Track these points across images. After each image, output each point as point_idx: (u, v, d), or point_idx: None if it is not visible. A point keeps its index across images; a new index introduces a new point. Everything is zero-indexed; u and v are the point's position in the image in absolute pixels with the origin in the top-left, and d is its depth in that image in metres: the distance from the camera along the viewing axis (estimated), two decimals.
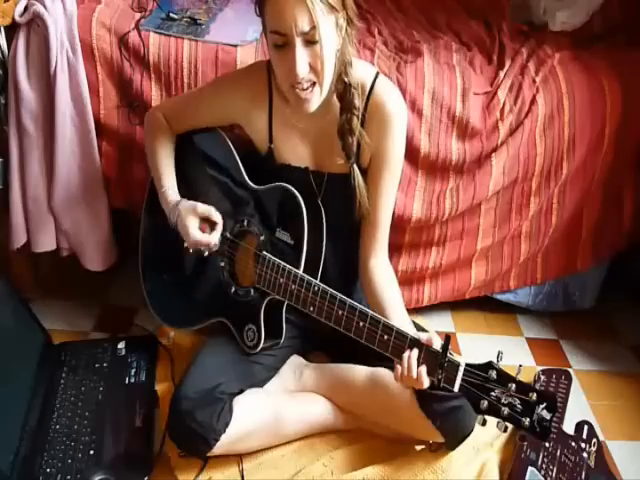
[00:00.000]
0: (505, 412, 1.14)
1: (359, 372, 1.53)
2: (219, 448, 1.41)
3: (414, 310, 1.95)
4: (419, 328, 1.46)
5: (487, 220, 1.85)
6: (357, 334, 1.31)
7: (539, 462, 1.52)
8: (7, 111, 1.67)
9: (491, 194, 1.79)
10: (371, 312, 1.29)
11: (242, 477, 1.46)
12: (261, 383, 1.53)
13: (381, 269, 1.48)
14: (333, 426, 1.55)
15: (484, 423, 1.17)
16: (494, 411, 1.15)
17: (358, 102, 1.37)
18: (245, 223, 1.49)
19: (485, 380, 1.16)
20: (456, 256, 1.88)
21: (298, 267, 1.38)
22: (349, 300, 1.32)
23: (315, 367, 1.61)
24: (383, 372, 1.46)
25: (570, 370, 1.87)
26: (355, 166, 1.41)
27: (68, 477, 1.40)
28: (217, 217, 1.48)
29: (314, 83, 1.30)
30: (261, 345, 1.46)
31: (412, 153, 1.72)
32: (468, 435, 1.44)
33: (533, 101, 1.75)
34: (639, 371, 1.92)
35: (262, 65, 1.45)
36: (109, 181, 1.78)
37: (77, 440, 1.48)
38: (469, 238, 1.86)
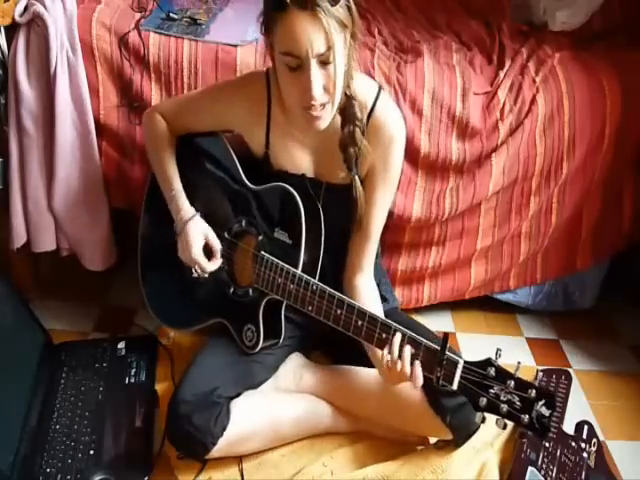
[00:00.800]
0: (504, 409, 1.14)
1: (364, 372, 1.53)
2: (217, 451, 1.41)
3: (414, 310, 1.95)
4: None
5: (487, 220, 1.85)
6: (355, 333, 1.31)
7: (539, 462, 1.52)
8: (7, 111, 1.67)
9: (491, 194, 1.79)
10: (369, 311, 1.30)
11: (242, 477, 1.46)
12: (260, 383, 1.53)
13: (367, 287, 1.48)
14: (331, 428, 1.55)
15: (483, 420, 1.17)
16: (493, 408, 1.15)
17: (360, 114, 1.36)
18: (243, 223, 1.49)
19: (484, 377, 1.15)
20: (456, 256, 1.88)
21: (296, 267, 1.38)
22: (347, 299, 1.32)
23: (315, 369, 1.61)
24: None
25: (570, 370, 1.87)
26: (357, 177, 1.41)
27: (68, 477, 1.40)
28: (219, 252, 1.49)
29: (325, 103, 1.29)
30: (260, 345, 1.46)
31: (412, 153, 1.72)
32: (476, 431, 1.45)
33: (533, 101, 1.75)
34: (639, 371, 1.92)
35: (261, 75, 1.44)
36: (109, 181, 1.78)
37: (77, 440, 1.48)
38: (469, 238, 1.86)
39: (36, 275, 1.95)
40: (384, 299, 1.54)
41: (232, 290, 1.50)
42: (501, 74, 1.80)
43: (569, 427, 1.64)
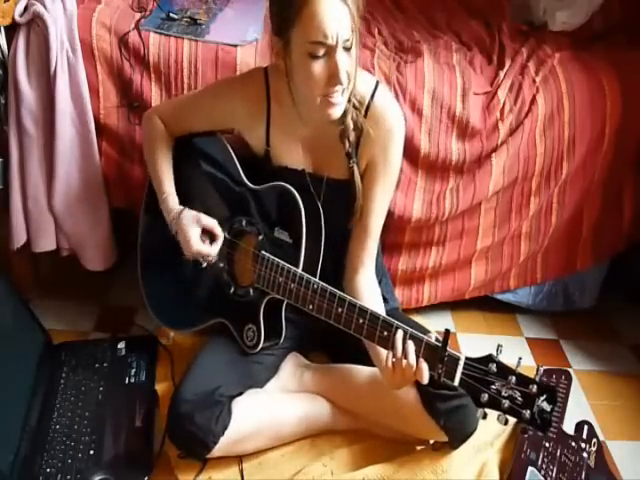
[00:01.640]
0: (505, 405, 1.14)
1: (362, 372, 1.53)
2: (218, 450, 1.41)
3: (414, 310, 1.95)
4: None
5: (487, 220, 1.85)
6: (357, 331, 1.31)
7: (539, 462, 1.52)
8: (7, 111, 1.67)
9: (491, 194, 1.79)
10: (370, 309, 1.29)
11: (242, 477, 1.46)
12: (261, 383, 1.53)
13: (368, 284, 1.48)
14: (332, 427, 1.55)
15: (485, 416, 1.17)
16: (494, 404, 1.15)
17: (357, 98, 1.37)
18: (243, 223, 1.49)
19: (485, 373, 1.15)
20: (456, 256, 1.88)
21: (297, 265, 1.38)
22: (348, 297, 1.32)
23: (316, 368, 1.61)
24: None
25: (570, 370, 1.87)
26: (356, 167, 1.41)
27: (68, 477, 1.40)
28: (219, 230, 1.48)
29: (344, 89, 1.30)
30: (261, 345, 1.46)
31: (412, 153, 1.72)
32: (472, 434, 1.45)
33: (533, 101, 1.75)
34: (639, 371, 1.92)
35: (259, 72, 1.44)
36: (109, 181, 1.78)
37: (77, 440, 1.47)
38: (469, 238, 1.87)
39: (36, 275, 1.95)
40: (384, 299, 1.53)
41: (233, 290, 1.50)
42: (501, 74, 1.80)
43: (569, 427, 1.64)
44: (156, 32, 1.71)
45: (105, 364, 1.67)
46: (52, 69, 1.63)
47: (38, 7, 1.61)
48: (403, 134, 1.45)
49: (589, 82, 1.79)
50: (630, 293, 2.09)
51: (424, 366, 1.22)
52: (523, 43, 1.93)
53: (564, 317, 2.06)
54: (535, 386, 1.11)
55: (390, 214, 1.55)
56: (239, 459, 1.48)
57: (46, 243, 1.78)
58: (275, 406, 1.50)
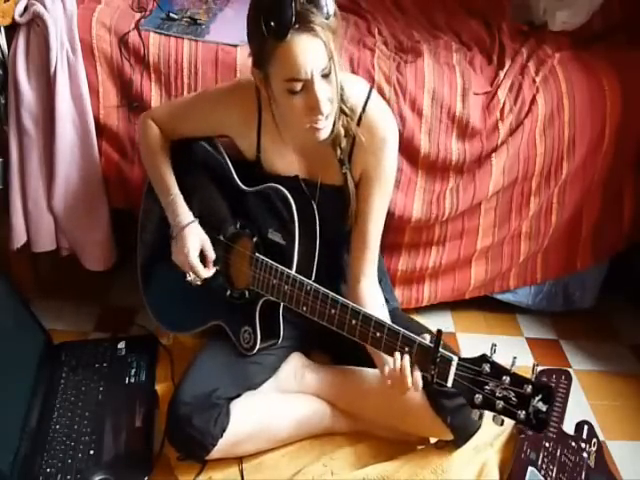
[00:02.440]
0: (500, 406, 1.12)
1: (366, 373, 1.53)
2: (217, 452, 1.41)
3: (414, 310, 1.95)
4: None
5: (487, 220, 1.85)
6: (350, 332, 1.31)
7: (539, 462, 1.52)
8: (7, 111, 1.67)
9: (491, 194, 1.79)
10: (363, 310, 1.29)
11: (242, 477, 1.46)
12: (260, 384, 1.53)
13: (371, 292, 1.47)
14: (332, 429, 1.55)
15: (480, 417, 1.16)
16: (489, 405, 1.14)
17: (349, 106, 1.36)
18: (238, 226, 1.49)
19: (478, 374, 1.14)
20: (456, 256, 1.88)
21: (290, 267, 1.38)
22: (341, 299, 1.32)
23: (317, 369, 1.60)
24: None
25: (570, 370, 1.87)
26: (349, 173, 1.41)
27: (68, 477, 1.40)
28: (212, 263, 1.49)
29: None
30: (257, 346, 1.46)
31: (412, 153, 1.72)
32: (476, 432, 1.45)
33: (533, 101, 1.75)
34: (639, 371, 1.92)
35: (250, 83, 1.42)
36: (109, 181, 1.78)
37: (77, 440, 1.48)
38: (469, 238, 1.86)
39: (36, 275, 1.95)
40: (384, 300, 1.54)
41: (229, 293, 1.50)
42: (501, 74, 1.80)
43: (569, 427, 1.64)
44: (156, 32, 1.71)
45: (105, 364, 1.67)
46: (52, 69, 1.63)
47: (38, 7, 1.61)
48: (397, 142, 1.44)
49: (589, 82, 1.79)
50: (630, 293, 2.09)
51: (417, 375, 1.22)
52: (523, 43, 1.92)
53: (564, 317, 2.06)
54: (530, 386, 1.10)
55: (390, 214, 1.55)
56: (239, 459, 1.48)
57: (46, 243, 1.78)
58: (274, 408, 1.50)
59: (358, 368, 1.55)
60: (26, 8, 1.64)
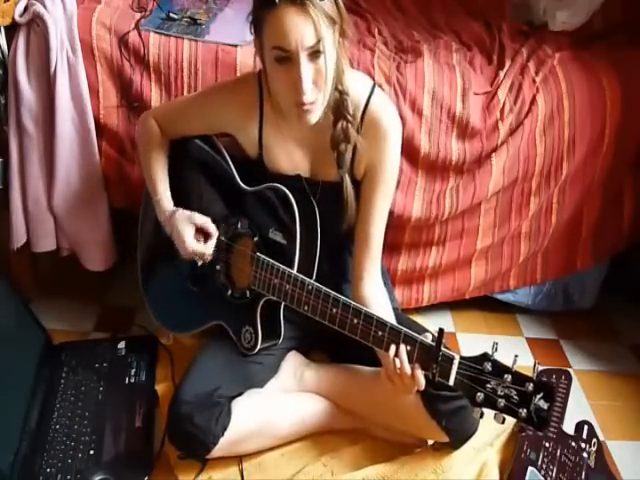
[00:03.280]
0: (501, 404, 1.13)
1: (363, 372, 1.53)
2: (218, 451, 1.41)
3: (414, 310, 1.95)
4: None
5: (487, 220, 1.85)
6: (351, 331, 1.31)
7: (539, 462, 1.52)
8: (7, 111, 1.67)
9: (491, 194, 1.79)
10: (364, 309, 1.29)
11: (242, 477, 1.46)
12: (261, 383, 1.53)
13: (374, 290, 1.46)
14: (332, 427, 1.55)
15: (482, 415, 1.16)
16: (490, 403, 1.14)
17: (352, 110, 1.36)
18: (239, 225, 1.49)
19: (480, 372, 1.15)
20: (456, 256, 1.88)
21: (292, 267, 1.38)
22: (342, 298, 1.32)
23: (316, 368, 1.61)
24: None
25: (570, 370, 1.87)
26: (346, 176, 1.41)
27: (68, 477, 1.40)
28: (212, 228, 1.48)
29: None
30: (258, 346, 1.46)
31: (412, 153, 1.72)
32: (472, 435, 1.45)
33: (533, 101, 1.75)
34: (639, 371, 1.92)
35: (252, 76, 1.44)
36: (109, 181, 1.78)
37: (77, 440, 1.48)
38: (469, 238, 1.87)
39: (36, 275, 1.95)
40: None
41: (230, 292, 1.50)
42: (501, 74, 1.80)
43: (569, 427, 1.64)
44: (156, 32, 1.71)
45: (105, 364, 1.67)
46: (52, 69, 1.63)
47: (38, 7, 1.61)
48: (400, 139, 1.45)
49: (589, 82, 1.79)
50: (630, 293, 2.09)
51: (419, 373, 1.22)
52: (523, 43, 1.92)
53: (564, 317, 2.06)
54: (531, 384, 1.10)
55: (390, 214, 1.55)
56: (239, 459, 1.48)
57: (46, 243, 1.78)
58: (274, 406, 1.50)
59: (356, 366, 1.55)
60: (26, 8, 1.64)
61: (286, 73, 1.26)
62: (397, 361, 1.24)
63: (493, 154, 1.76)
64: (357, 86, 1.39)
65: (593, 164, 1.84)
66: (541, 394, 1.10)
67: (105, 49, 1.69)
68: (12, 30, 1.65)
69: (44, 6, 1.62)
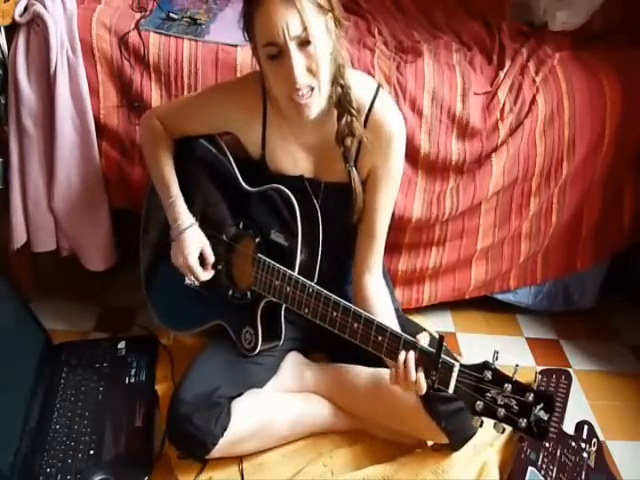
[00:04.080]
0: (501, 413, 1.12)
1: (362, 373, 1.53)
2: (218, 451, 1.41)
3: (414, 310, 1.95)
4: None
5: (487, 220, 1.85)
6: (351, 335, 1.30)
7: (539, 462, 1.52)
8: (7, 111, 1.67)
9: (491, 194, 1.79)
10: (365, 313, 1.29)
11: (242, 477, 1.46)
12: (261, 384, 1.53)
13: (375, 288, 1.46)
14: (332, 428, 1.55)
15: (481, 424, 1.16)
16: (490, 412, 1.13)
17: (355, 104, 1.36)
18: (241, 226, 1.49)
19: (480, 381, 1.14)
20: (456, 256, 1.88)
21: (293, 269, 1.38)
22: (343, 301, 1.31)
23: (316, 368, 1.61)
24: (386, 373, 1.46)
25: (570, 370, 1.87)
26: (354, 169, 1.41)
27: (68, 477, 1.40)
28: (210, 267, 1.50)
29: (312, 88, 1.29)
30: (259, 348, 1.46)
31: (412, 153, 1.72)
32: (472, 436, 1.45)
33: (533, 101, 1.75)
34: (639, 371, 1.92)
35: (255, 76, 1.43)
36: (109, 181, 1.78)
37: (77, 440, 1.48)
38: (469, 238, 1.87)
39: (36, 275, 1.95)
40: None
41: (231, 293, 1.50)
42: (501, 74, 1.80)
43: (569, 427, 1.64)
44: (156, 32, 1.71)
45: (105, 364, 1.67)
46: (52, 69, 1.63)
47: (38, 7, 1.61)
48: (404, 140, 1.45)
49: (589, 82, 1.79)
50: (630, 293, 2.09)
51: (422, 380, 1.22)
52: (523, 43, 1.92)
53: (564, 317, 2.06)
54: (532, 394, 1.09)
55: (391, 216, 1.55)
56: (239, 459, 1.48)
57: (46, 243, 1.78)
58: (274, 407, 1.50)
59: (356, 367, 1.55)
60: (26, 8, 1.64)
61: (280, 68, 1.26)
62: (402, 367, 1.23)
63: (493, 154, 1.76)
64: (362, 89, 1.39)
65: (593, 164, 1.84)
66: (541, 404, 1.09)
67: (105, 49, 1.69)
68: (12, 30, 1.65)
69: (44, 6, 1.62)
